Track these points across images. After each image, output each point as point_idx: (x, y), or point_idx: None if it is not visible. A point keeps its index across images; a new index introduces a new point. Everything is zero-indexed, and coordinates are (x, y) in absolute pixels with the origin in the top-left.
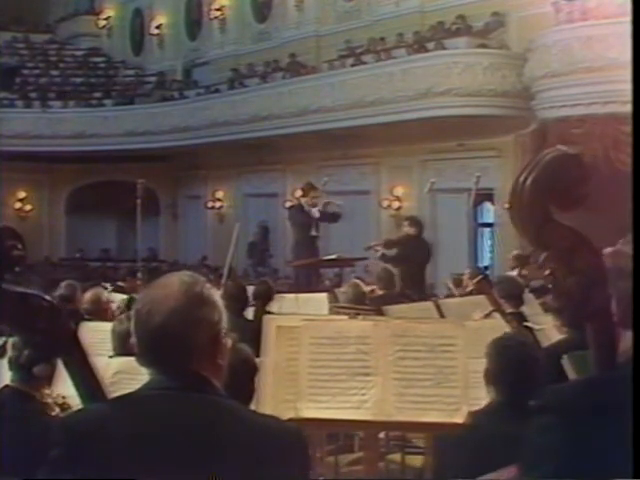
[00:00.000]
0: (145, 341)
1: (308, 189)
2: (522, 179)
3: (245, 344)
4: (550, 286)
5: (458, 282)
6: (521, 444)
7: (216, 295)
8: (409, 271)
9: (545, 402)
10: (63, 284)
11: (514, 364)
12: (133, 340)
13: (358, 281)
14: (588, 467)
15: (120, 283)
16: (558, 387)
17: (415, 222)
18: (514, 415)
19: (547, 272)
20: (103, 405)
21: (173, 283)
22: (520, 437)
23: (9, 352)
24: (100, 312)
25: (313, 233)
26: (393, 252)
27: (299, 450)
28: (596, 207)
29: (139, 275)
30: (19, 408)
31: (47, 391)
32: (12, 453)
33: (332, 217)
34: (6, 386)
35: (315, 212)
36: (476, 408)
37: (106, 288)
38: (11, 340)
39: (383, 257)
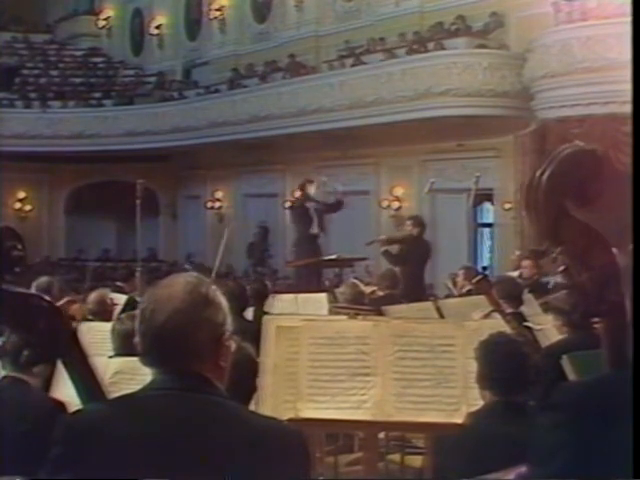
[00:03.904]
0: (149, 340)
1: (305, 184)
2: (539, 174)
3: (247, 343)
4: (564, 282)
5: (457, 282)
6: (519, 442)
7: (221, 297)
8: (409, 270)
9: (556, 400)
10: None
11: (505, 362)
12: (137, 339)
13: (356, 281)
14: (598, 467)
15: (119, 283)
16: (569, 385)
17: (418, 222)
18: (511, 414)
19: (562, 268)
20: (105, 405)
21: (178, 283)
22: (517, 435)
23: (8, 351)
24: (105, 313)
25: (314, 231)
26: (395, 250)
27: (300, 452)
28: (596, 207)
29: (137, 275)
30: (19, 396)
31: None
32: (11, 440)
33: (333, 206)
34: (5, 377)
35: (314, 193)
36: (475, 408)
37: (108, 286)
38: (11, 339)
39: (386, 254)
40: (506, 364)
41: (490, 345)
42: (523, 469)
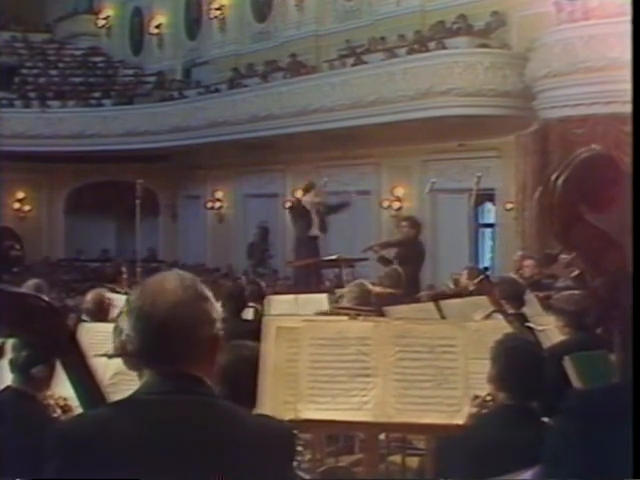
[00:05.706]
0: (148, 337)
1: (308, 187)
2: (554, 177)
3: (249, 343)
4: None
5: (458, 283)
6: (525, 444)
7: (210, 293)
8: (406, 272)
9: (571, 407)
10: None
11: (526, 366)
12: (129, 338)
13: (364, 280)
14: (603, 469)
15: (108, 285)
16: (584, 392)
17: (414, 223)
18: (517, 415)
19: (576, 272)
20: (98, 411)
21: (172, 279)
22: (525, 437)
23: (9, 353)
24: (101, 313)
25: (314, 233)
26: (392, 254)
27: (289, 448)
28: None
29: (123, 269)
30: (21, 409)
31: (48, 392)
32: (13, 453)
33: (337, 208)
34: (8, 387)
35: (315, 199)
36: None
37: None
38: (10, 341)
39: (381, 259)
40: (529, 368)
41: (512, 348)
42: (534, 471)
